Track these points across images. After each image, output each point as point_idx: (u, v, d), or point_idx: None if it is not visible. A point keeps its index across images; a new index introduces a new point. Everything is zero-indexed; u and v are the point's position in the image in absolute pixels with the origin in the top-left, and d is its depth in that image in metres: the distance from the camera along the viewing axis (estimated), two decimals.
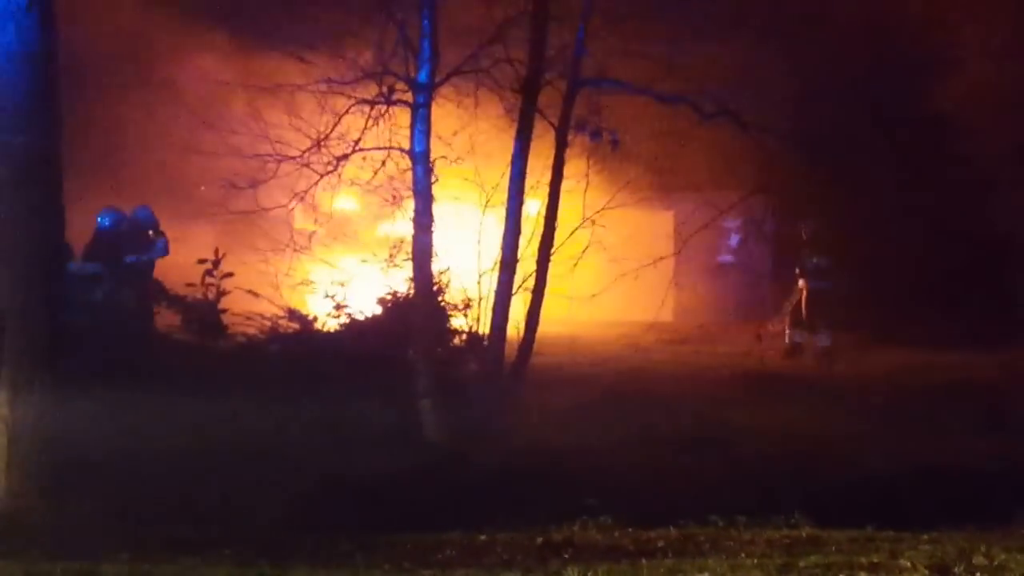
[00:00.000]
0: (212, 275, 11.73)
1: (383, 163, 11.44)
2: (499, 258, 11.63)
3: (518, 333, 11.71)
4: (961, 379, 12.55)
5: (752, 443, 9.83)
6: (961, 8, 16.16)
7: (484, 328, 11.62)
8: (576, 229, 12.22)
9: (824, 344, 15.12)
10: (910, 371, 13.40)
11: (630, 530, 7.71)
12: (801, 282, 15.56)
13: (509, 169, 11.77)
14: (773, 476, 9.03)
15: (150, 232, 13.96)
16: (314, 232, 11.89)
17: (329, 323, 12.10)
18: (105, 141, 16.03)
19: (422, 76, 10.89)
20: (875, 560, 6.63)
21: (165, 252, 13.91)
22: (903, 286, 16.45)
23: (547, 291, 11.91)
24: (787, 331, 15.57)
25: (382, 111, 11.19)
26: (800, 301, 15.50)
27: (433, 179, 11.05)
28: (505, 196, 11.76)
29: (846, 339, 15.69)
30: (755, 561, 6.70)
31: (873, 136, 16.61)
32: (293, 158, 11.41)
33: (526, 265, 11.84)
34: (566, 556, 7.09)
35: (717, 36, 15.31)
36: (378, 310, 12.13)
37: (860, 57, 16.89)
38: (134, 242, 13.74)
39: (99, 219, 13.77)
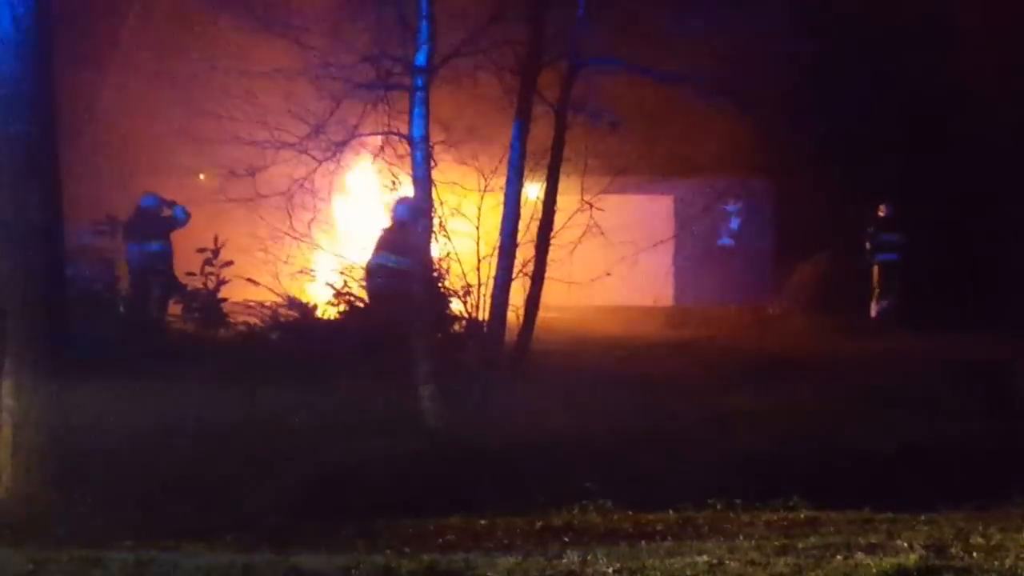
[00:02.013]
0: (212, 264, 11.72)
1: (382, 148, 11.43)
2: (498, 243, 11.62)
3: (518, 318, 11.72)
4: (963, 360, 12.56)
5: (751, 426, 9.86)
6: None
7: (484, 314, 11.63)
8: (575, 213, 12.19)
9: (891, 307, 16.66)
10: (913, 352, 13.41)
11: (629, 513, 7.75)
12: (878, 257, 16.82)
13: (508, 152, 11.76)
14: (772, 459, 9.06)
15: (164, 212, 13.91)
16: (313, 219, 11.87)
17: (329, 310, 12.11)
18: (102, 128, 16.01)
19: (420, 59, 10.82)
20: (873, 541, 6.66)
21: (186, 217, 13.74)
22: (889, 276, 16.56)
23: (547, 276, 11.91)
24: (872, 305, 16.92)
25: (380, 96, 11.14)
26: (877, 276, 16.81)
27: (432, 164, 11.02)
28: (504, 180, 11.74)
29: (847, 321, 15.76)
30: (753, 543, 6.73)
31: (878, 115, 16.57)
32: (291, 145, 11.39)
33: (525, 250, 11.84)
34: (566, 539, 7.13)
35: (717, 13, 15.26)
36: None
37: (864, 34, 16.82)
38: (154, 229, 13.69)
39: (144, 201, 13.77)
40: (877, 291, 16.97)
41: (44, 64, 8.15)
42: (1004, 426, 9.76)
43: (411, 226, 11.47)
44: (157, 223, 13.74)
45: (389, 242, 12.34)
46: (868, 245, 16.99)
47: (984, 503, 7.77)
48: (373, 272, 12.14)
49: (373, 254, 12.35)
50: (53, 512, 7.77)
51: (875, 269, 16.96)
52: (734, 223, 19.01)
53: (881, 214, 17.05)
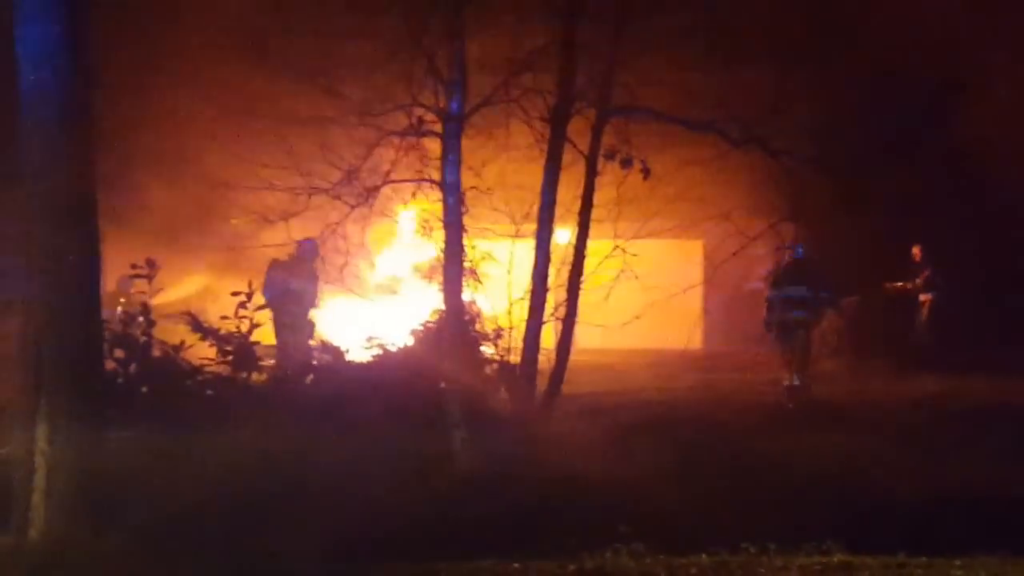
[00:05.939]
0: (246, 307, 11.81)
1: (413, 194, 11.56)
2: (530, 287, 11.67)
3: (549, 362, 11.74)
4: (995, 404, 12.46)
5: (782, 469, 9.81)
6: (988, 31, 16.12)
7: (515, 358, 11.67)
8: (606, 258, 12.26)
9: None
10: (942, 396, 13.32)
11: (662, 557, 7.70)
12: (923, 296, 17.36)
13: (539, 198, 11.84)
14: (805, 502, 9.01)
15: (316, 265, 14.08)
16: (345, 264, 11.97)
17: (362, 355, 12.18)
18: (137, 175, 16.20)
19: (452, 107, 10.95)
20: None
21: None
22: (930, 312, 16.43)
23: (578, 319, 11.95)
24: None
25: (412, 142, 11.28)
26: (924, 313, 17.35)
27: (464, 210, 11.12)
28: (535, 225, 11.82)
29: (877, 365, 15.66)
30: None
31: (903, 161, 16.57)
32: (324, 190, 11.53)
33: (557, 294, 11.89)
34: None
35: (745, 63, 15.34)
36: (410, 341, 12.21)
37: (890, 81, 16.86)
38: (302, 275, 13.90)
39: (305, 246, 13.89)
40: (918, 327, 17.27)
41: (83, 112, 8.27)
42: None
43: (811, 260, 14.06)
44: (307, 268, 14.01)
45: (792, 275, 14.39)
46: (915, 284, 17.33)
47: (1019, 548, 7.67)
48: (777, 304, 14.17)
49: (775, 288, 14.46)
50: (86, 556, 7.78)
51: (925, 307, 17.28)
52: (764, 269, 19.00)
53: (917, 257, 17.33)
